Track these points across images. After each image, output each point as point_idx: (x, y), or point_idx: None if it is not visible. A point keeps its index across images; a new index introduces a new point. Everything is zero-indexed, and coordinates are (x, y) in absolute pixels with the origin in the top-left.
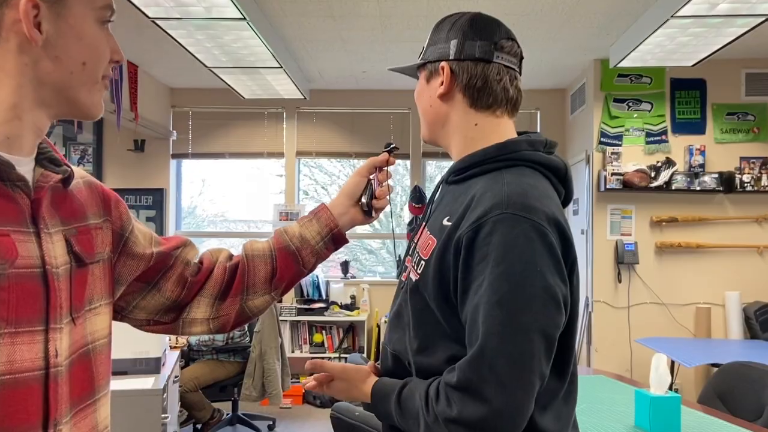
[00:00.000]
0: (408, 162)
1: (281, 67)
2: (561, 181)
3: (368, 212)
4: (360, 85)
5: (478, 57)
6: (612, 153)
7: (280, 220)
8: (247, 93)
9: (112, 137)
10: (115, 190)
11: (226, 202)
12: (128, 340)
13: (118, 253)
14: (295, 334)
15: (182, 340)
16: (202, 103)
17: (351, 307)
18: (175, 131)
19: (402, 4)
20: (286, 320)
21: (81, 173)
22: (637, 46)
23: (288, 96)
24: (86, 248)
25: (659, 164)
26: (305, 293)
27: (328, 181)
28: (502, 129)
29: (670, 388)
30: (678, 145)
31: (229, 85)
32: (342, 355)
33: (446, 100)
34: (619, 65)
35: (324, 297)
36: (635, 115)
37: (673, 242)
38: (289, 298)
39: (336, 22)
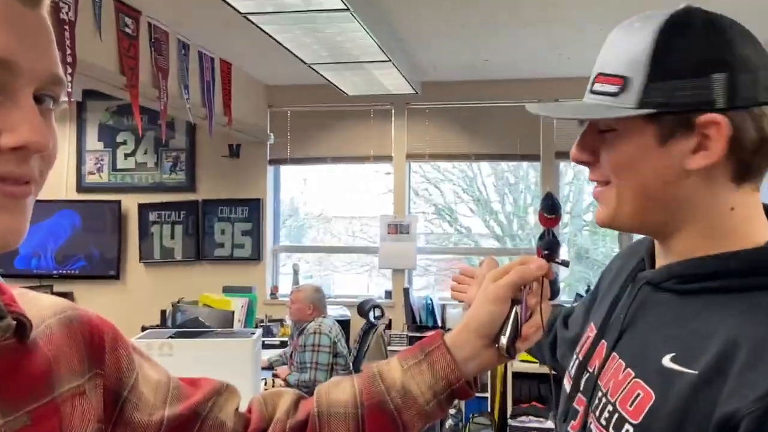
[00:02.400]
0: (538, 164)
1: (389, 60)
2: None
3: (510, 354)
4: (480, 75)
5: (763, 101)
6: None
7: (389, 233)
8: (351, 89)
9: (206, 141)
10: (208, 201)
11: (328, 201)
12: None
13: (111, 422)
14: None
15: (278, 380)
16: (301, 101)
17: None
18: (272, 134)
19: None
20: (395, 350)
21: (57, 307)
22: None
23: (397, 91)
24: None
25: None
26: (418, 319)
27: (441, 177)
28: (761, 212)
29: None
30: None
31: (330, 82)
32: None
33: (702, 173)
34: None
35: (439, 323)
36: None
37: None
38: (399, 325)
39: (453, 6)
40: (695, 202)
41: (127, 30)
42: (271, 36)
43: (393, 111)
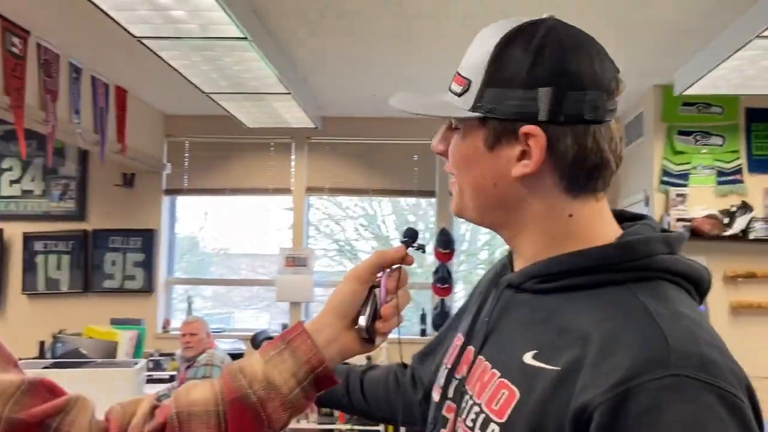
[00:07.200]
0: (434, 200)
1: (289, 92)
2: (701, 296)
3: (369, 339)
4: (381, 112)
5: (589, 119)
6: (677, 195)
7: (286, 266)
8: (251, 121)
9: (98, 170)
10: (99, 230)
11: (228, 237)
12: None
13: None
14: None
15: None
16: (200, 132)
17: None
18: (169, 164)
19: (431, 22)
20: None
21: None
22: (711, 71)
23: (297, 125)
24: None
25: (733, 209)
26: None
27: (342, 214)
28: (605, 218)
29: None
30: (755, 186)
31: (230, 113)
32: (355, 427)
33: (527, 181)
34: (686, 92)
35: None
36: (704, 151)
37: (751, 302)
38: None
39: (354, 42)
40: (527, 206)
41: (14, 49)
42: (167, 62)
43: (293, 145)
